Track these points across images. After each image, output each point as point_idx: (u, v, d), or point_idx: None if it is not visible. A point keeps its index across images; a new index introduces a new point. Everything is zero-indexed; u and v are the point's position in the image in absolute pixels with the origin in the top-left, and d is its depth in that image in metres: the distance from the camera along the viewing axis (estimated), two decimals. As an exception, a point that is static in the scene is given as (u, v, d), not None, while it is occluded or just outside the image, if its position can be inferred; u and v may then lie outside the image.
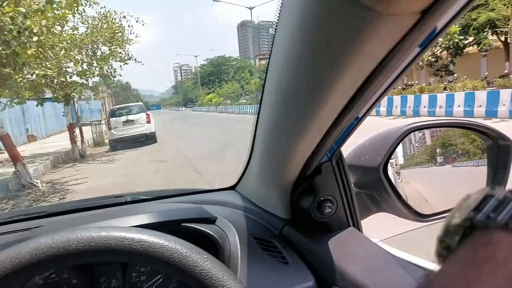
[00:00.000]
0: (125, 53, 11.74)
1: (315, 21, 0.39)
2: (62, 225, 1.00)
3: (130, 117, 13.47)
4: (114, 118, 13.43)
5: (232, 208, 1.07)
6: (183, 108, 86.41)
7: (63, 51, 8.95)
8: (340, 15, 0.35)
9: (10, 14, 5.90)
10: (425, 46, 0.38)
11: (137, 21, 12.39)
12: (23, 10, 6.05)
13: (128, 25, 12.07)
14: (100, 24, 10.94)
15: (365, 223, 0.93)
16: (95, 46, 10.99)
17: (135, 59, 12.15)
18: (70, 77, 10.65)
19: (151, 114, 14.03)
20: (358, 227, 0.89)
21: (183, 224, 0.82)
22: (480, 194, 0.25)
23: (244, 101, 46.54)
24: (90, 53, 10.87)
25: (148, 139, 13.46)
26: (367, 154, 0.95)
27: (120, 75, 11.95)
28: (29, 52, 6.73)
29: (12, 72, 7.09)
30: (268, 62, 0.66)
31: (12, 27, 5.98)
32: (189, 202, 1.14)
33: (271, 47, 0.62)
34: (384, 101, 14.67)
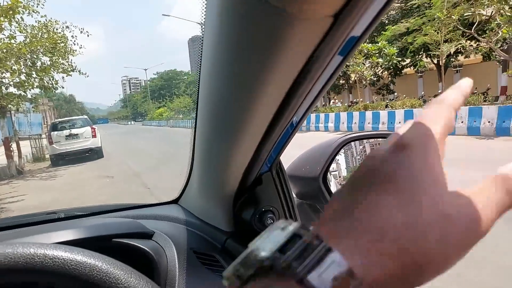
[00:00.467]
0: (68, 64, 11.23)
1: (233, 24, 0.38)
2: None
3: (74, 131, 12.80)
4: (56, 132, 12.68)
5: (173, 223, 1.03)
6: (133, 122, 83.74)
7: (-4, 61, 8.37)
8: (255, 17, 0.34)
9: None
10: (346, 55, 0.39)
11: (81, 31, 11.97)
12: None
13: (72, 36, 11.62)
14: (40, 33, 10.38)
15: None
16: (35, 56, 10.39)
17: (79, 71, 11.64)
18: (6, 88, 9.98)
19: (97, 128, 13.44)
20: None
21: (114, 239, 0.77)
22: (287, 229, 0.23)
23: (196, 115, 46.08)
24: (29, 63, 10.26)
25: (93, 154, 12.83)
26: (307, 165, 0.96)
27: (63, 87, 11.43)
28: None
29: None
30: (199, 70, 0.64)
31: None
32: (128, 217, 1.09)
33: (201, 54, 0.60)
34: (331, 116, 15.27)
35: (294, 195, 0.90)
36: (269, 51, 0.37)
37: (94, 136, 13.00)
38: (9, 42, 9.36)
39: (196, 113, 0.76)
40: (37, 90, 11.33)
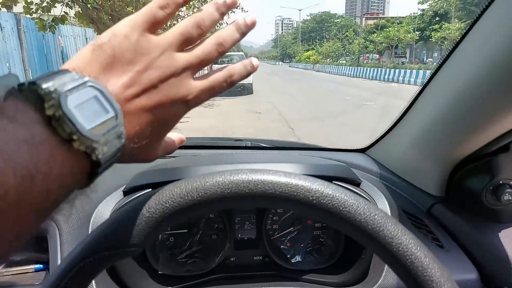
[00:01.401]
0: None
1: None
2: (194, 158, 1.00)
3: (230, 66, 13.78)
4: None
5: (366, 173, 0.96)
6: (280, 63, 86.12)
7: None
8: None
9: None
10: None
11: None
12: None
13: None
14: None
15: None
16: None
17: (242, 8, 12.17)
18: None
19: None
20: (538, 224, 0.72)
21: (334, 182, 0.74)
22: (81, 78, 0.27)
23: (344, 62, 44.42)
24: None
25: (245, 89, 13.73)
26: None
27: (227, 23, 12.11)
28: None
29: (134, 11, 7.58)
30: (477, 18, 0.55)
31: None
32: (315, 157, 1.07)
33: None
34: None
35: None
36: None
37: (247, 73, 13.79)
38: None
39: (445, 62, 0.65)
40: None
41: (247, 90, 13.81)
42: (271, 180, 0.41)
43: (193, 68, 0.34)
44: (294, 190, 0.40)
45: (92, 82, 0.27)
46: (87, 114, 0.26)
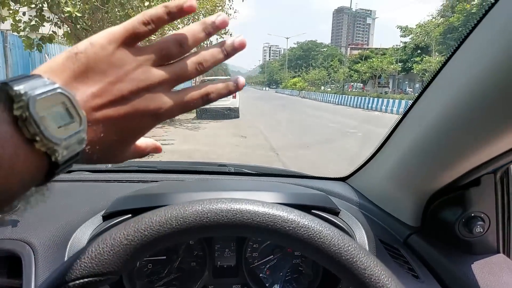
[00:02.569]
0: (223, 27, 12.01)
1: None
2: (177, 184, 1.00)
3: (218, 90, 13.87)
4: (207, 77, 13.97)
5: (345, 202, 0.98)
6: (267, 88, 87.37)
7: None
8: None
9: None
10: None
11: (238, -4, 12.61)
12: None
13: (229, 0, 12.34)
14: (203, -4, 11.32)
15: None
16: (196, 18, 11.41)
17: (230, 34, 12.44)
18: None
19: (237, 90, 14.29)
20: (509, 256, 0.74)
21: (313, 211, 0.76)
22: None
23: (329, 89, 45.40)
24: (191, 23, 11.30)
25: (231, 113, 13.82)
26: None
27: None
28: (138, 18, 7.22)
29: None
30: (451, 55, 0.59)
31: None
32: (296, 184, 1.08)
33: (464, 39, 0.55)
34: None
35: None
36: None
37: (234, 97, 13.89)
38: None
39: (423, 92, 0.68)
40: (193, 50, 12.47)
41: (234, 113, 13.90)
42: (249, 209, 0.42)
43: (169, 83, 0.35)
44: (271, 220, 0.41)
45: (61, 89, 0.29)
46: (53, 118, 0.28)
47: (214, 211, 0.41)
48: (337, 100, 29.15)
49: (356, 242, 0.43)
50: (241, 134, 9.89)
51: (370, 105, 22.24)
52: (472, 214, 0.71)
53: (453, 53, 0.59)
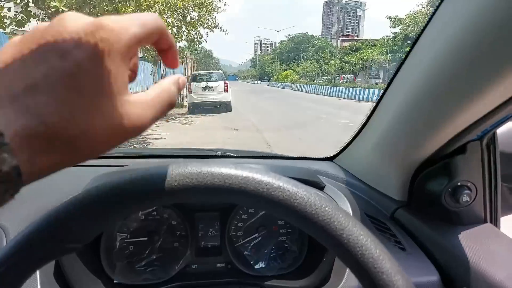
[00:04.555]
0: (213, 20, 11.92)
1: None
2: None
3: (210, 84, 13.77)
4: (195, 83, 13.86)
5: (332, 180, 0.96)
6: (259, 82, 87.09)
7: (156, 13, 9.33)
8: None
9: (115, -29, 6.23)
10: None
11: (227, -12, 12.45)
12: (127, -32, 6.35)
13: (219, -8, 12.20)
14: (192, -12, 11.17)
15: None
16: (186, 11, 11.27)
17: (220, 28, 12.31)
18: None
19: (229, 84, 14.26)
20: (496, 225, 0.73)
21: None
22: None
23: (321, 81, 45.38)
24: (181, 17, 11.18)
25: (223, 106, 13.75)
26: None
27: (206, 41, 12.18)
28: (128, 11, 7.11)
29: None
30: (426, 25, 0.60)
31: (116, -17, 6.32)
32: (283, 165, 1.06)
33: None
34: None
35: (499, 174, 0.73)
36: None
37: (226, 90, 13.83)
38: (166, -4, 10.29)
39: (398, 70, 0.69)
40: (183, 44, 12.36)
41: (226, 107, 13.83)
42: (220, 172, 0.39)
43: None
44: (244, 182, 0.39)
45: None
46: None
47: (183, 174, 0.38)
48: (328, 92, 29.15)
49: (333, 204, 0.40)
50: (234, 127, 9.86)
51: (361, 96, 22.29)
52: (459, 183, 0.70)
53: (428, 22, 0.58)
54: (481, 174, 0.70)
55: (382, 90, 0.78)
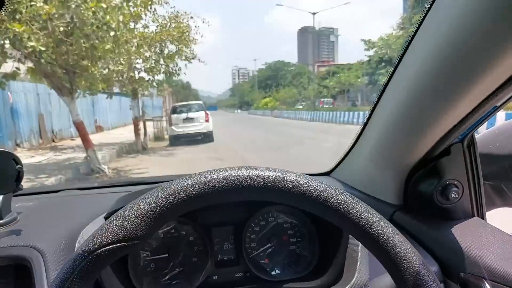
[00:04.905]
0: (190, 52, 12.12)
1: (476, 21, 0.48)
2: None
3: (190, 115, 13.83)
4: (175, 115, 13.89)
5: None
6: (239, 111, 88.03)
7: (134, 48, 9.49)
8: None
9: (92, 9, 6.33)
10: None
11: (203, 22, 12.75)
12: (104, 6, 6.47)
13: (195, 26, 12.49)
14: (169, 23, 11.39)
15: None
16: (163, 45, 11.43)
17: (198, 59, 12.52)
18: (139, 73, 11.22)
19: (209, 114, 14.35)
20: (483, 218, 0.80)
21: None
22: None
23: (301, 107, 46.30)
24: (158, 50, 11.33)
25: (205, 137, 13.77)
26: (496, 142, 0.86)
27: (185, 73, 12.34)
28: (106, 47, 7.19)
29: (89, 64, 7.59)
30: (407, 46, 0.69)
31: (93, 21, 6.41)
32: None
33: (418, 26, 0.64)
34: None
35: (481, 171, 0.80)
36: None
37: (207, 120, 13.89)
38: (143, 31, 10.46)
39: (388, 82, 0.77)
40: (161, 76, 12.44)
41: (208, 138, 13.85)
42: (255, 173, 0.47)
43: None
44: (276, 181, 0.46)
45: None
46: None
47: (224, 177, 0.45)
48: (309, 116, 29.71)
49: (350, 195, 0.48)
50: (218, 157, 9.86)
51: (342, 119, 22.79)
52: (447, 182, 0.77)
53: (411, 40, 0.66)
54: (465, 172, 0.77)
55: (362, 112, 0.86)
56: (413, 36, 0.66)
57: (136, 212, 0.42)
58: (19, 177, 0.75)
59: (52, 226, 0.79)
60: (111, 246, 0.41)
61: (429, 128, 0.69)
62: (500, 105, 0.64)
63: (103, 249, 0.41)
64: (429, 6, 0.59)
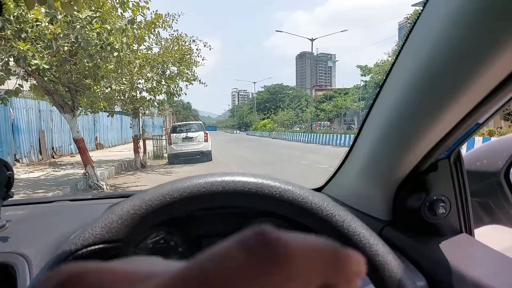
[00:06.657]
0: (192, 74, 12.32)
1: (457, 37, 0.50)
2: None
3: (190, 134, 13.91)
4: (175, 134, 13.97)
5: None
6: (238, 131, 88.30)
7: (136, 68, 9.67)
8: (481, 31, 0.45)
9: (97, 30, 6.48)
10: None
11: (204, 45, 12.99)
12: (108, 28, 6.62)
13: (197, 49, 12.74)
14: (172, 45, 11.63)
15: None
16: (165, 66, 11.62)
17: (199, 80, 12.69)
18: (140, 93, 11.36)
19: (209, 134, 14.44)
20: (471, 234, 0.82)
21: None
22: None
23: (298, 129, 46.57)
24: (160, 71, 11.50)
25: (204, 156, 13.79)
26: (483, 159, 0.89)
27: (185, 94, 12.48)
28: (109, 67, 7.32)
29: (92, 83, 7.71)
30: (393, 64, 0.72)
31: (97, 41, 6.54)
32: None
33: (401, 48, 0.69)
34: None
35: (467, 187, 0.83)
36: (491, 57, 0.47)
37: (206, 140, 13.96)
38: (147, 52, 10.67)
39: (376, 98, 0.80)
40: (161, 97, 12.57)
41: (206, 157, 13.88)
42: (240, 179, 0.48)
43: None
44: (260, 187, 0.47)
45: None
46: None
47: (210, 182, 0.47)
48: (306, 138, 29.80)
49: (333, 202, 0.49)
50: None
51: (338, 142, 22.90)
52: (434, 197, 0.79)
53: (396, 57, 0.70)
54: (453, 188, 0.80)
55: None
56: (398, 54, 0.69)
57: (119, 214, 0.43)
58: (9, 183, 0.72)
59: (40, 233, 0.78)
60: (92, 247, 0.41)
61: (415, 143, 0.71)
62: (483, 122, 0.67)
63: (84, 250, 0.41)
64: (413, 24, 0.63)
